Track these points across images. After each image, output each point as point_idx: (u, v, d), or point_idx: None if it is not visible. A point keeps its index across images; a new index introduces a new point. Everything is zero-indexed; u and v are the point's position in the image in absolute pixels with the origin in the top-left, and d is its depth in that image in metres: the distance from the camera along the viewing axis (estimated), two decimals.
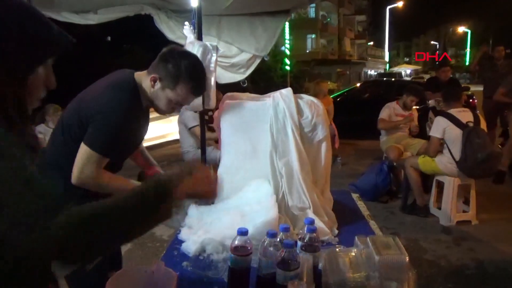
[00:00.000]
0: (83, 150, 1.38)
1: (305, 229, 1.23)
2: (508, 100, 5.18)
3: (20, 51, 0.72)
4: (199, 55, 2.44)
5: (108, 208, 0.78)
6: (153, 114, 1.72)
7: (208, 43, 2.62)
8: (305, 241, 1.22)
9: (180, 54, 1.51)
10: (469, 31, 41.93)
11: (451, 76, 6.15)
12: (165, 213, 0.89)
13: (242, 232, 1.15)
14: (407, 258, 1.12)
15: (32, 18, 0.76)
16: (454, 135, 3.70)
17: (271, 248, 1.13)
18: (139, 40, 17.18)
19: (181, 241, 1.49)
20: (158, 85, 1.48)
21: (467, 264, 3.10)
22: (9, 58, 0.70)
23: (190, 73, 1.47)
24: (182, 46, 3.43)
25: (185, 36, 3.21)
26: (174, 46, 1.58)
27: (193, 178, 0.99)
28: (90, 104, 1.42)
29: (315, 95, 5.93)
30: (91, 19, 3.70)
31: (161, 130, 7.87)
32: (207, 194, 1.11)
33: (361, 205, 2.10)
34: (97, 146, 1.38)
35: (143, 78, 1.51)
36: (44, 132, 4.38)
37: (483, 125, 3.76)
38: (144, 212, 0.83)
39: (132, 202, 0.82)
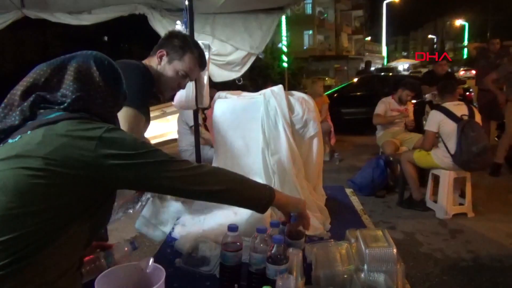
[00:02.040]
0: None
1: (290, 219, 1.28)
2: (494, 88, 5.20)
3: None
4: None
5: (237, 175, 1.14)
6: (152, 113, 1.74)
7: (200, 42, 2.62)
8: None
9: (181, 32, 1.72)
10: (467, 24, 41.91)
11: (448, 70, 6.18)
12: (261, 206, 1.16)
13: (233, 229, 1.16)
14: (395, 250, 1.13)
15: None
16: (449, 128, 3.71)
17: (261, 244, 1.14)
18: (136, 40, 17.19)
19: (175, 239, 1.51)
20: (165, 60, 1.58)
21: (463, 257, 3.12)
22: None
23: (195, 43, 1.63)
24: None
25: None
26: (172, 29, 1.76)
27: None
28: None
29: (311, 95, 5.93)
30: (85, 20, 3.70)
31: (159, 129, 7.89)
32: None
33: (355, 200, 2.11)
34: (130, 102, 1.37)
35: (149, 61, 1.61)
36: None
37: (478, 118, 3.78)
38: (254, 194, 1.14)
39: (252, 184, 1.15)
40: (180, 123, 4.61)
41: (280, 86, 1.75)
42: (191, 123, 4.30)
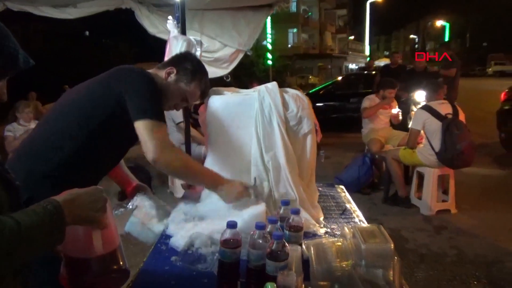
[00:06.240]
0: (141, 126, 1.37)
1: (289, 211, 1.33)
2: None
3: None
4: (183, 49, 2.44)
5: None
6: None
7: (192, 38, 2.61)
8: (289, 221, 1.30)
9: (196, 57, 1.73)
10: (447, 25, 42.72)
11: (427, 66, 6.41)
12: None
13: (232, 225, 1.16)
14: (392, 245, 1.15)
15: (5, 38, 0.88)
16: (433, 127, 3.79)
17: (260, 240, 1.14)
18: (119, 35, 16.94)
19: (169, 236, 1.49)
20: (172, 77, 1.57)
21: (447, 252, 3.20)
22: None
23: (205, 73, 1.64)
24: (164, 40, 3.41)
25: (167, 30, 3.18)
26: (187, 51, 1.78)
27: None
28: (113, 86, 1.43)
29: None
30: (70, 14, 3.63)
31: None
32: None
33: (345, 197, 2.14)
34: (149, 114, 1.38)
35: (154, 72, 1.59)
36: (13, 130, 4.30)
37: (462, 116, 3.86)
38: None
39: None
40: (166, 120, 4.57)
41: (274, 83, 1.75)
42: (177, 120, 4.28)
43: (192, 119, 4.48)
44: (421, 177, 4.18)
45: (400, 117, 4.88)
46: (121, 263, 1.01)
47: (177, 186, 4.30)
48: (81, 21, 4.16)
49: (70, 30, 13.84)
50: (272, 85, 1.74)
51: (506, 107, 6.82)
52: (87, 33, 19.49)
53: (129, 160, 1.57)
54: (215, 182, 1.53)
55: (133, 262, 1.45)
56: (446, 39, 39.56)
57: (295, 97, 1.72)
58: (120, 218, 1.59)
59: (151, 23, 3.80)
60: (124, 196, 1.81)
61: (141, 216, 1.52)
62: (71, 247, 0.94)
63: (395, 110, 4.86)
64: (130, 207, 1.57)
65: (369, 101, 4.99)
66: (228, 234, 1.15)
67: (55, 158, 1.37)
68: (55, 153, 1.38)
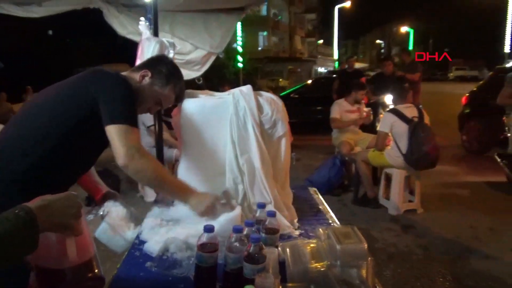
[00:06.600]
0: (112, 130, 1.34)
1: (266, 213, 1.35)
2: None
3: None
4: (155, 51, 2.41)
5: None
6: None
7: (165, 40, 2.58)
8: (266, 224, 1.31)
9: (172, 61, 1.71)
10: (412, 30, 44.28)
11: (394, 70, 6.70)
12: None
13: (209, 229, 1.15)
14: (366, 245, 1.18)
15: None
16: (400, 129, 3.92)
17: (237, 244, 1.14)
18: (86, 35, 16.46)
19: (143, 242, 1.47)
20: (147, 80, 1.54)
21: (414, 250, 3.31)
22: None
23: (180, 76, 1.62)
24: (134, 42, 3.35)
25: (137, 31, 3.12)
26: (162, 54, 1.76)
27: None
28: (88, 89, 1.39)
29: None
30: (35, 12, 3.48)
31: None
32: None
33: (318, 198, 2.17)
34: (121, 119, 1.35)
35: (128, 74, 1.56)
36: None
37: (427, 119, 4.02)
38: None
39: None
40: None
41: (249, 86, 1.76)
42: (148, 123, 4.20)
43: (164, 122, 4.42)
44: (388, 178, 4.31)
45: (372, 117, 5.04)
46: (96, 271, 0.99)
47: (148, 190, 4.22)
48: (44, 20, 3.97)
49: (32, 28, 13.30)
50: (247, 89, 1.75)
51: (467, 111, 7.16)
52: (50, 32, 18.80)
53: (97, 164, 1.53)
54: (185, 193, 1.49)
55: (102, 268, 1.42)
56: (411, 45, 41.09)
57: (270, 101, 1.74)
58: (89, 224, 1.55)
59: (120, 24, 3.71)
60: (92, 202, 1.76)
61: (112, 223, 1.48)
62: (44, 256, 0.91)
63: (366, 109, 5.03)
64: (101, 213, 1.53)
65: (338, 106, 5.07)
66: (205, 238, 1.15)
67: (24, 163, 1.32)
68: (23, 158, 1.32)
